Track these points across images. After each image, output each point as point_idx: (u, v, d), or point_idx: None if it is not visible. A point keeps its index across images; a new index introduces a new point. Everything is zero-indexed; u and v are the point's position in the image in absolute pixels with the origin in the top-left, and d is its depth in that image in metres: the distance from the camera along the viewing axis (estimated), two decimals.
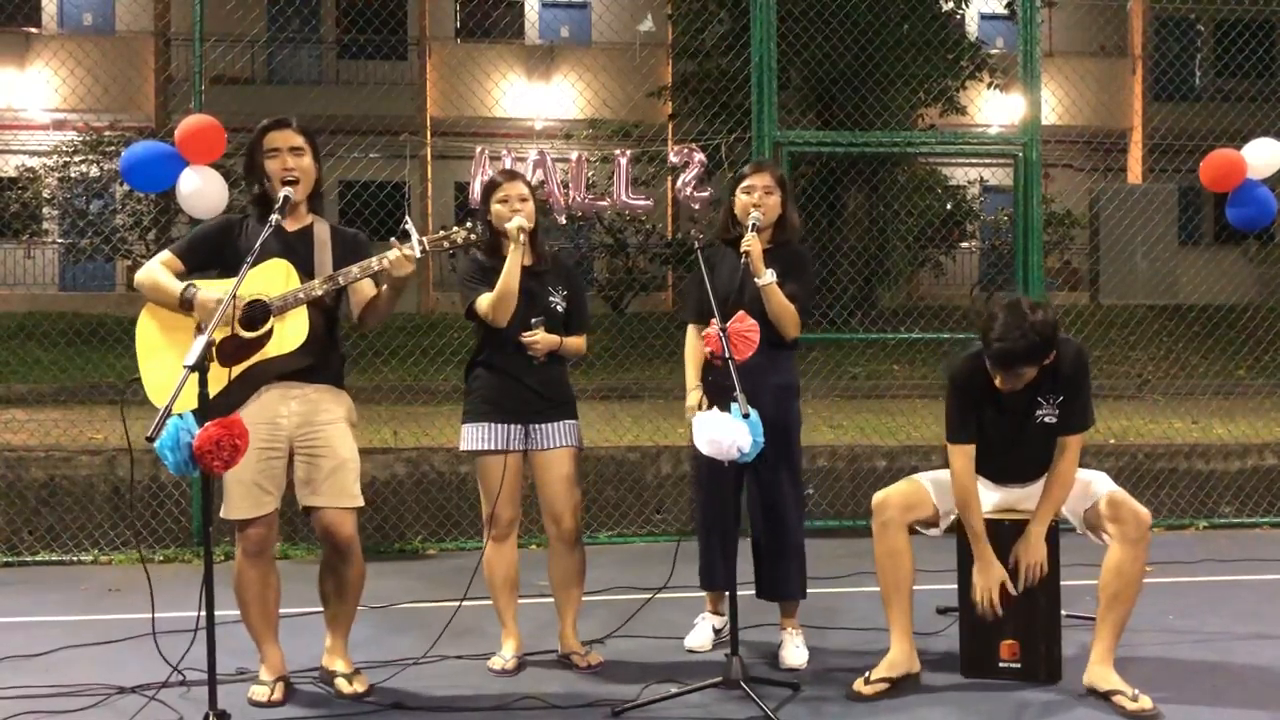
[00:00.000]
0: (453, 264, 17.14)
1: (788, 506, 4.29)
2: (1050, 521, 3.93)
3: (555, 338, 4.17)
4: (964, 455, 3.93)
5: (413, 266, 3.76)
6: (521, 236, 4.05)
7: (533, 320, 4.12)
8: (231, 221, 3.98)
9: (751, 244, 4.14)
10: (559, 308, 4.23)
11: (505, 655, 4.20)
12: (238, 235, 3.87)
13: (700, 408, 4.19)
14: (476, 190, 6.41)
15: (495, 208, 4.18)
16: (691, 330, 4.44)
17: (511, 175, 4.29)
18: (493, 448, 4.15)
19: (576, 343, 4.29)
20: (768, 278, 4.16)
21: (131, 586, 5.63)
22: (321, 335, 3.82)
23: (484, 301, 4.10)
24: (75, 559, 6.22)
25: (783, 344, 4.28)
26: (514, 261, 4.05)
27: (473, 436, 4.19)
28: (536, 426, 4.19)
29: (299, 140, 3.87)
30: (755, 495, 4.29)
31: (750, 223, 4.21)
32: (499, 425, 4.16)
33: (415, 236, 3.77)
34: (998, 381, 3.80)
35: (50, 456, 6.39)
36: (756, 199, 4.28)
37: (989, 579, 3.92)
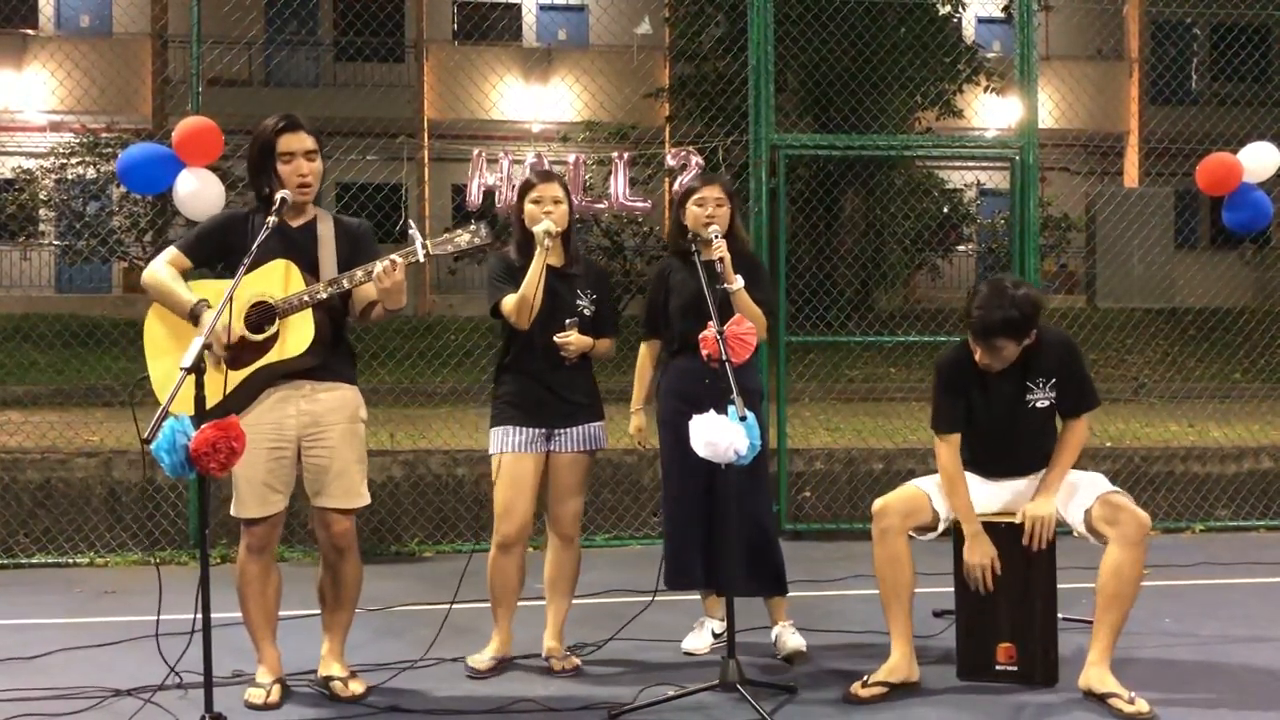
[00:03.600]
0: (452, 268, 17.26)
1: (763, 509, 4.32)
2: (1057, 487, 3.93)
3: (588, 339, 4.17)
4: (948, 446, 3.98)
5: (394, 279, 3.62)
6: (548, 241, 4.03)
7: (566, 321, 4.11)
8: (239, 215, 3.90)
9: (723, 250, 4.18)
10: (587, 311, 4.22)
11: (484, 655, 4.20)
12: (246, 230, 3.79)
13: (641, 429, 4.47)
14: (474, 193, 6.41)
15: (528, 208, 4.16)
16: (644, 348, 4.53)
17: (547, 176, 4.25)
18: (512, 451, 4.15)
19: (605, 345, 4.32)
20: (738, 283, 4.20)
21: (127, 588, 5.62)
22: (327, 336, 3.78)
23: (508, 302, 4.09)
24: (71, 561, 6.20)
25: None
26: (538, 265, 4.05)
27: (497, 441, 4.20)
28: (559, 431, 4.19)
29: (312, 143, 3.82)
30: (726, 499, 4.23)
31: (712, 234, 4.23)
32: (522, 429, 4.15)
33: (419, 241, 3.68)
34: (977, 357, 3.84)
35: (46, 459, 6.39)
36: (710, 211, 4.31)
37: (980, 554, 3.93)
